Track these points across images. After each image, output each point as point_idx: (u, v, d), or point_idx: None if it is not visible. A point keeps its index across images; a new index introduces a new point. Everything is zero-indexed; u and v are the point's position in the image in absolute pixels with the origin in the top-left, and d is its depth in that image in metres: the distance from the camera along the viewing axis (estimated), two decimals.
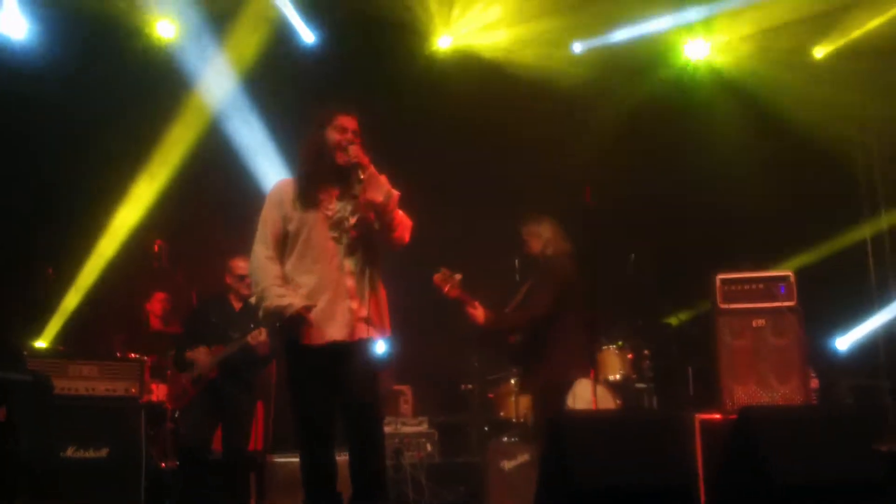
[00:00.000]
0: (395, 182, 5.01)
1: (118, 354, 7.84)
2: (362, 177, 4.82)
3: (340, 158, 4.93)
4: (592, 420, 5.38)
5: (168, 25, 9.15)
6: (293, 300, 4.88)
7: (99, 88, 8.85)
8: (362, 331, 4.93)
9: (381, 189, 4.83)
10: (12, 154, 8.88)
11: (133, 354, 7.87)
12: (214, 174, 9.35)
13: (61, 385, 6.86)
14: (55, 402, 6.70)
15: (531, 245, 6.91)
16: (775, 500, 4.58)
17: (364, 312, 4.93)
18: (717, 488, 5.45)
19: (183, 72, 9.18)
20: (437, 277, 6.45)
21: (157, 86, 9.09)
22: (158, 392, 8.17)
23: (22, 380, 6.06)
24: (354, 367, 4.89)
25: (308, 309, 4.85)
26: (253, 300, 5.19)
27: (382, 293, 5.12)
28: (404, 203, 5.07)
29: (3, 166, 8.79)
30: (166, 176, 9.16)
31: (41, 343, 8.84)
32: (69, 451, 6.73)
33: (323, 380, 4.95)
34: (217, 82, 9.27)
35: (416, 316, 9.60)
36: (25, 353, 6.98)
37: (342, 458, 4.96)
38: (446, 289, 6.41)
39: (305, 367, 4.98)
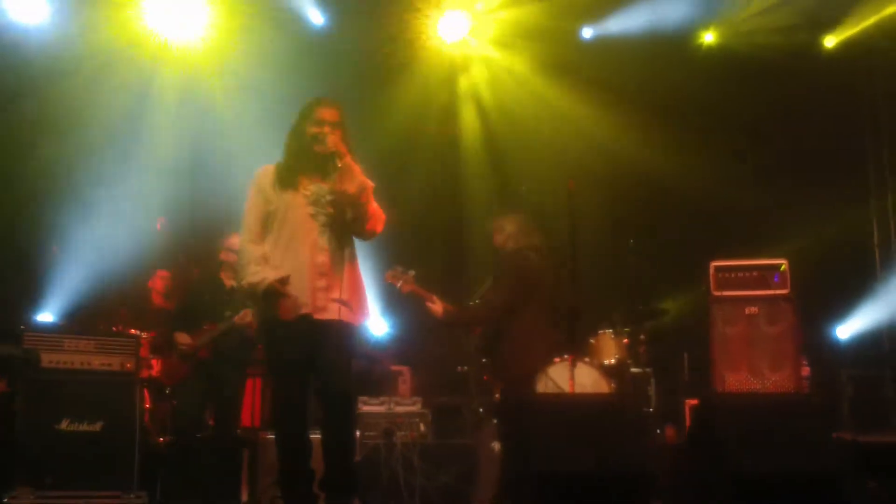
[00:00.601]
0: (378, 171, 5.15)
1: (115, 329, 7.90)
2: (339, 165, 4.99)
3: (318, 149, 5.09)
4: (551, 405, 5.39)
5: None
6: (266, 274, 5.01)
7: (103, 65, 8.94)
8: (334, 312, 5.02)
9: (355, 180, 4.99)
10: (18, 131, 8.99)
11: (134, 330, 7.96)
12: (218, 151, 9.41)
13: (57, 359, 6.88)
14: (49, 377, 6.76)
15: (495, 239, 7.03)
16: (729, 488, 4.59)
17: (337, 293, 5.02)
18: (675, 475, 5.46)
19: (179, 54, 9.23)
20: (388, 275, 6.69)
21: (156, 66, 9.16)
22: (159, 367, 8.27)
23: (9, 353, 6.14)
24: (328, 350, 5.00)
25: (282, 281, 4.98)
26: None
27: (359, 276, 5.23)
28: (381, 195, 5.24)
29: (10, 144, 8.91)
30: (169, 153, 9.21)
31: (46, 317, 8.95)
32: (63, 425, 6.77)
33: (297, 356, 5.06)
34: (223, 60, 9.30)
35: (414, 298, 9.70)
36: (22, 326, 7.02)
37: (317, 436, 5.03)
38: (398, 285, 6.71)
39: (279, 342, 5.10)
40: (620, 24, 9.55)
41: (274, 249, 5.12)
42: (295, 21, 9.49)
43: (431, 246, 9.73)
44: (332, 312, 5.02)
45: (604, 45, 9.73)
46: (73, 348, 7.05)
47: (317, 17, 9.66)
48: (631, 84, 9.55)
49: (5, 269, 8.82)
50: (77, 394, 6.86)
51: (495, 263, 7.05)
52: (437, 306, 6.74)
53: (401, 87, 9.67)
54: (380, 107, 9.45)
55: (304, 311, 5.01)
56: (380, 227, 5.21)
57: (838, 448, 4.89)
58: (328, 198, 5.12)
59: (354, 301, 5.14)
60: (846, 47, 9.57)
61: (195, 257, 8.67)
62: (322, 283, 5.04)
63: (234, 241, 7.17)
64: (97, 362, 7.13)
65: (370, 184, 5.08)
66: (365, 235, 5.20)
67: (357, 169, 5.03)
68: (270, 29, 9.17)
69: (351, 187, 4.99)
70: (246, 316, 6.71)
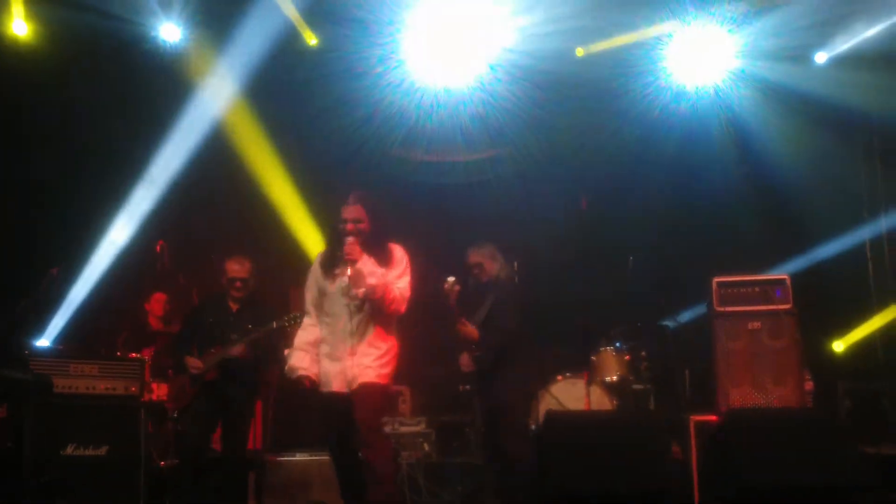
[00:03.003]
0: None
1: (119, 354, 7.88)
2: (349, 273, 5.73)
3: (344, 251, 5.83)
4: (575, 423, 5.42)
5: (172, 29, 9.19)
6: (301, 367, 5.93)
7: (103, 90, 8.95)
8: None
9: (362, 285, 5.69)
10: (16, 154, 8.97)
11: (134, 354, 7.94)
12: (218, 176, 9.43)
13: (62, 384, 6.90)
14: (56, 401, 6.75)
15: (487, 268, 7.23)
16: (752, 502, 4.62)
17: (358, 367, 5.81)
18: (699, 489, 5.49)
19: (186, 74, 9.24)
20: (447, 286, 6.80)
21: (161, 88, 9.16)
22: (159, 391, 8.24)
23: (22, 379, 6.12)
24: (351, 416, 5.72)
25: (311, 382, 5.91)
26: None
27: (389, 345, 5.96)
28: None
29: (8, 167, 8.89)
30: (169, 177, 9.21)
31: (45, 342, 8.90)
32: (69, 450, 6.77)
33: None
34: (220, 84, 9.31)
35: (415, 316, 9.71)
36: (27, 352, 7.00)
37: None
38: (452, 299, 6.90)
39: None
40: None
41: (322, 327, 5.97)
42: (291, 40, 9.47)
43: None
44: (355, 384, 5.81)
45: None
46: (78, 373, 7.06)
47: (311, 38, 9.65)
48: None
49: (6, 292, 8.76)
50: (82, 418, 6.88)
51: (487, 290, 7.11)
52: (469, 328, 6.98)
53: None
54: None
55: (330, 389, 5.86)
56: (402, 308, 5.89)
57: (861, 461, 4.91)
58: (346, 298, 5.85)
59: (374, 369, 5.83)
60: (838, 63, 9.64)
61: (195, 280, 8.66)
62: (347, 363, 5.81)
63: (232, 266, 7.25)
64: (102, 386, 7.14)
65: (380, 283, 5.68)
66: (389, 317, 5.91)
67: (367, 271, 5.72)
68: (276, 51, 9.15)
69: (359, 292, 5.73)
70: (238, 349, 6.87)
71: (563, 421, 5.48)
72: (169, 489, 7.31)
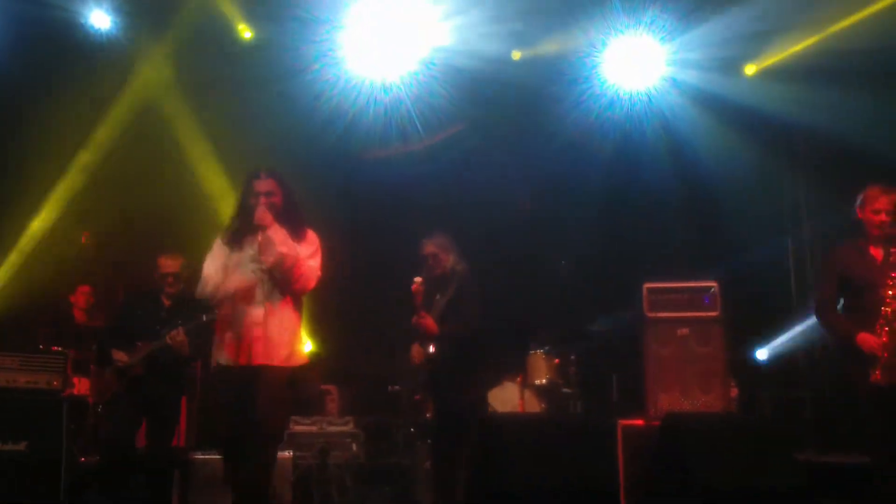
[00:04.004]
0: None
1: (41, 347, 7.69)
2: (259, 240, 5.58)
3: (252, 219, 5.64)
4: (518, 423, 5.44)
5: (103, 17, 9.00)
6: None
7: (30, 77, 8.75)
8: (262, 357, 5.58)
9: (272, 252, 5.54)
10: None
11: (56, 347, 7.75)
12: (147, 166, 9.26)
13: None
14: None
15: (442, 259, 7.02)
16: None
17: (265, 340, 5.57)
18: (640, 492, 5.54)
19: (118, 64, 9.07)
20: (415, 287, 6.72)
21: (90, 77, 8.97)
22: (81, 386, 8.07)
23: None
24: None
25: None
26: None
27: (293, 321, 5.72)
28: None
29: None
30: (98, 167, 9.04)
31: None
32: None
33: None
34: (152, 76, 9.17)
35: (344, 316, 9.67)
36: None
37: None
38: (419, 300, 6.74)
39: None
40: None
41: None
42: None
43: None
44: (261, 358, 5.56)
45: None
46: None
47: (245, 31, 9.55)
48: None
49: None
50: (2, 412, 6.70)
51: (442, 283, 7.00)
52: (428, 321, 6.77)
53: None
54: None
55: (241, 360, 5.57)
56: (311, 285, 5.72)
57: (798, 468, 5.01)
58: (254, 264, 5.66)
59: (282, 347, 5.61)
60: (766, 75, 9.83)
61: (122, 274, 8.49)
62: (254, 333, 5.57)
63: (165, 261, 7.11)
64: (23, 380, 6.97)
65: (290, 253, 5.54)
66: (295, 293, 5.70)
67: (278, 238, 5.55)
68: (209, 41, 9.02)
69: (268, 259, 5.56)
70: (178, 335, 6.63)
71: (498, 423, 5.47)
72: (91, 486, 7.14)
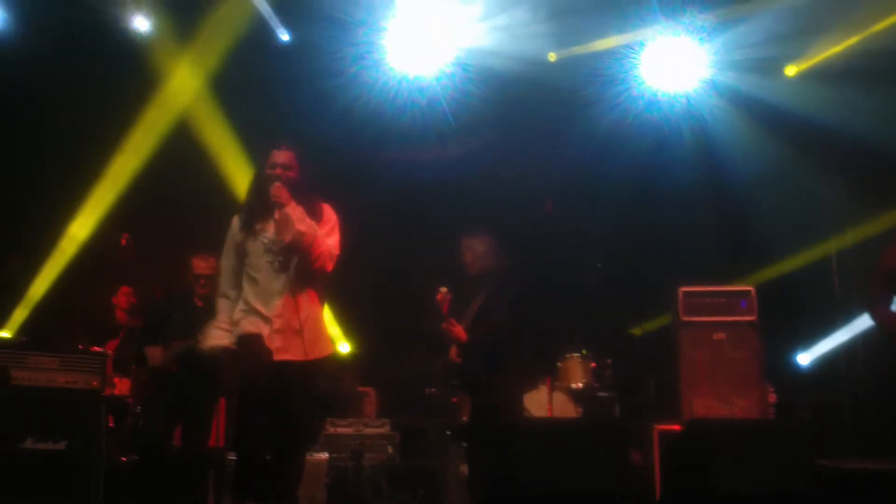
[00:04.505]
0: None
1: (80, 347, 7.78)
2: (276, 217, 5.36)
3: (269, 195, 5.40)
4: (542, 428, 5.42)
5: (142, 20, 9.12)
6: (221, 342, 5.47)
7: (69, 81, 8.87)
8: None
9: (290, 230, 5.32)
10: None
11: (97, 348, 7.84)
12: (184, 169, 9.36)
13: (21, 376, 6.78)
14: (14, 394, 6.65)
15: (473, 262, 6.98)
16: None
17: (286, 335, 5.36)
18: (664, 497, 5.51)
19: (155, 67, 9.17)
20: (440, 297, 6.69)
21: (128, 80, 9.09)
22: (121, 386, 8.15)
23: None
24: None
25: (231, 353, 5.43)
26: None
27: (317, 311, 5.53)
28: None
29: None
30: (136, 170, 9.14)
31: (5, 333, 8.80)
32: (27, 443, 6.67)
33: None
34: (188, 78, 9.26)
35: (382, 318, 9.71)
36: None
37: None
38: (445, 309, 6.70)
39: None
40: None
41: (248, 294, 5.47)
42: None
43: None
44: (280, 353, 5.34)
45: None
46: (37, 366, 6.94)
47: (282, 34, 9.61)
48: None
49: None
50: (42, 412, 6.76)
51: (476, 285, 6.98)
52: (458, 329, 6.73)
53: None
54: None
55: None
56: (330, 265, 5.49)
57: (820, 474, 4.95)
58: (274, 248, 5.44)
59: (310, 339, 5.39)
60: (806, 77, 9.72)
61: (159, 275, 8.58)
62: (278, 325, 5.36)
63: (199, 262, 7.21)
64: (62, 380, 7.03)
65: (308, 232, 5.33)
66: (315, 273, 5.48)
67: (297, 214, 5.32)
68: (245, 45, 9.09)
69: (286, 236, 5.35)
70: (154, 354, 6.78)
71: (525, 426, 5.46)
72: (128, 486, 7.22)
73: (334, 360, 5.80)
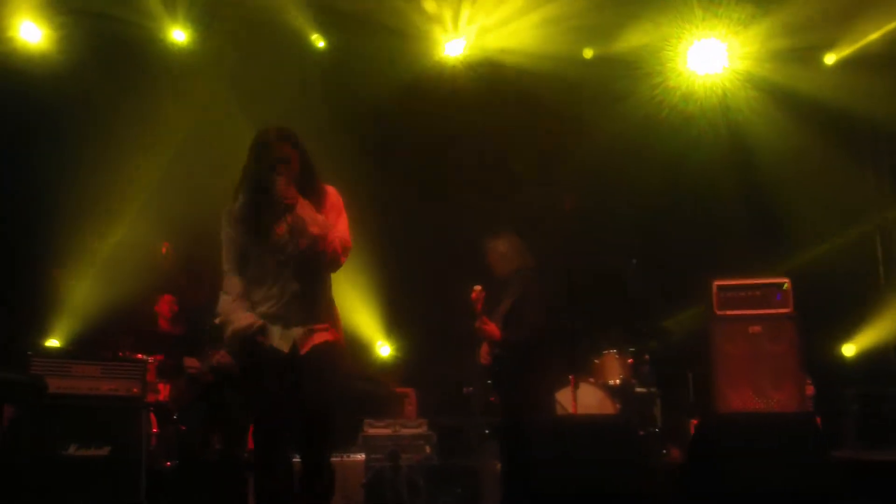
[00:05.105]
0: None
1: (121, 354, 7.94)
2: (288, 220, 4.94)
3: (271, 194, 4.93)
4: (553, 426, 5.42)
5: (180, 32, 9.30)
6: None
7: (107, 91, 9.07)
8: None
9: (305, 235, 4.92)
10: (20, 156, 9.12)
11: (140, 355, 8.00)
12: (221, 178, 9.47)
13: (65, 384, 6.91)
14: (57, 402, 6.79)
15: (499, 263, 6.97)
16: None
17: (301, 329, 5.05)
18: (678, 494, 5.48)
19: (194, 76, 9.34)
20: (474, 295, 6.64)
21: (169, 90, 9.26)
22: (166, 392, 8.30)
23: (15, 380, 6.17)
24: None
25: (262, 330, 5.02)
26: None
27: (328, 302, 5.19)
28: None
29: (12, 168, 9.02)
30: (174, 178, 9.29)
31: (54, 342, 9.01)
32: (71, 450, 6.81)
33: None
34: (228, 87, 9.40)
35: (420, 319, 9.76)
36: (30, 353, 7.06)
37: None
38: (479, 307, 6.65)
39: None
40: None
41: (254, 295, 5.09)
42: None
43: None
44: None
45: None
46: (80, 374, 7.07)
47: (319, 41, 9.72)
48: None
49: (12, 294, 8.87)
50: (84, 419, 6.90)
51: (506, 285, 6.99)
52: (491, 327, 6.73)
53: None
54: None
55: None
56: (343, 259, 5.11)
57: (835, 467, 4.89)
58: (285, 250, 5.03)
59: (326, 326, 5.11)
60: (845, 66, 9.58)
61: (198, 282, 8.72)
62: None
63: None
64: (104, 387, 7.18)
65: (322, 234, 4.95)
66: (328, 269, 5.14)
67: (308, 217, 4.92)
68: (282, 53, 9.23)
69: (301, 242, 4.96)
70: (223, 357, 6.85)
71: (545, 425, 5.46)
72: (170, 490, 7.36)
73: (345, 349, 5.36)
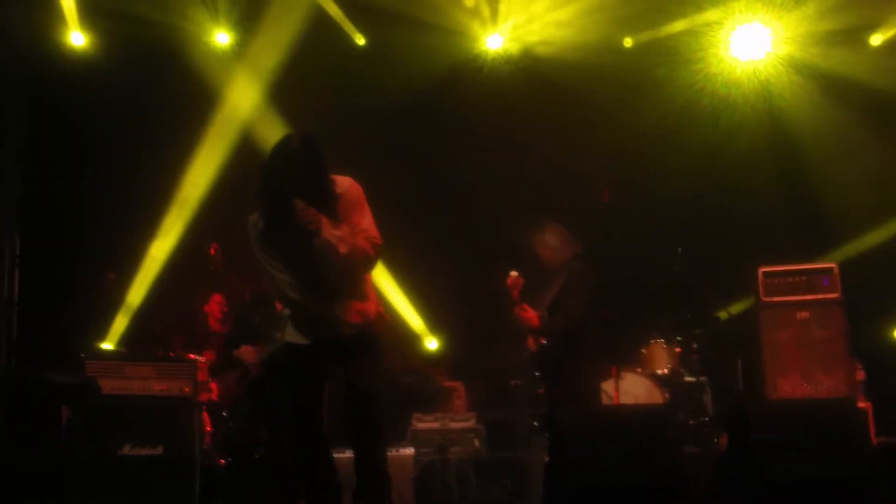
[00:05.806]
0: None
1: (172, 354, 8.07)
2: (316, 244, 4.77)
3: (293, 219, 4.74)
4: (589, 418, 5.41)
5: (223, 34, 9.42)
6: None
7: (156, 93, 9.20)
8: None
9: (335, 260, 4.80)
10: (70, 159, 9.30)
11: (193, 355, 8.12)
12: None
13: (118, 385, 7.03)
14: (112, 403, 6.93)
15: (543, 256, 6.98)
16: (765, 494, 4.59)
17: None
18: (713, 481, 5.46)
19: (236, 78, 9.45)
20: (510, 281, 6.60)
21: (212, 91, 9.38)
22: (218, 391, 8.42)
23: (70, 383, 6.31)
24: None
25: None
26: None
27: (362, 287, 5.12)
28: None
29: (62, 172, 9.19)
30: (220, 179, 9.41)
31: (107, 345, 9.17)
32: (125, 450, 6.94)
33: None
34: (270, 88, 9.50)
35: (468, 312, 9.79)
36: (84, 354, 7.20)
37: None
38: (515, 294, 6.64)
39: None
40: None
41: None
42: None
43: None
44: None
45: None
46: (133, 374, 7.20)
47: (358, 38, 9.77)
48: None
49: (66, 297, 9.06)
50: (138, 419, 7.01)
51: (551, 276, 6.98)
52: (531, 314, 6.74)
53: None
54: None
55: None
56: (375, 258, 5.00)
57: (877, 453, 4.85)
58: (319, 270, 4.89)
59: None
60: (893, 44, 9.44)
61: (246, 280, 8.81)
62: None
63: None
64: (157, 388, 7.29)
65: (350, 251, 4.81)
66: (364, 272, 5.09)
67: (334, 237, 4.75)
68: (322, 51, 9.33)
69: (331, 270, 4.84)
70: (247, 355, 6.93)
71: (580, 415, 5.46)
72: (222, 487, 7.46)
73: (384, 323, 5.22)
